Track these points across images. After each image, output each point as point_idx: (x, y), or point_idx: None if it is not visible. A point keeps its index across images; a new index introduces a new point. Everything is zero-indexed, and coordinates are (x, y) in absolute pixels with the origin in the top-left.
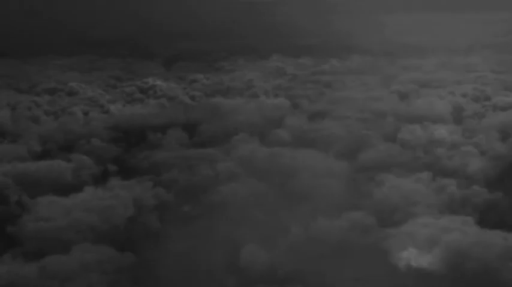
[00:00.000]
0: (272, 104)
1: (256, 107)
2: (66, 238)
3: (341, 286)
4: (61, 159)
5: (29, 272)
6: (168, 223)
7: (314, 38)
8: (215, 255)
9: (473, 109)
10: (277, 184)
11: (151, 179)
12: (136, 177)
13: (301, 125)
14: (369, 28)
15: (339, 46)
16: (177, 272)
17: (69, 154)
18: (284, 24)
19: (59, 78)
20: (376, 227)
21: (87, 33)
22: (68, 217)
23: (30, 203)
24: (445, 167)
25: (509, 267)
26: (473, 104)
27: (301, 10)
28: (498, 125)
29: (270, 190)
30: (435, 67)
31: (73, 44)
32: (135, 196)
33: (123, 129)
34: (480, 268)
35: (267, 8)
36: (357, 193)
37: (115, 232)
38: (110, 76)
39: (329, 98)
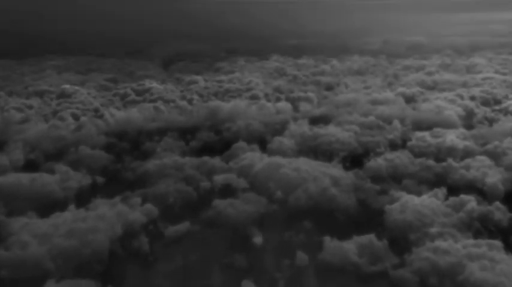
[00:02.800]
0: (273, 108)
1: (256, 112)
2: (41, 269)
3: None
4: (46, 170)
5: None
6: (157, 246)
7: (314, 38)
8: (212, 284)
9: (483, 113)
10: (278, 198)
11: (141, 194)
12: (125, 191)
13: (304, 131)
14: (369, 28)
15: (339, 46)
16: None
17: (56, 163)
18: (284, 24)
19: (52, 80)
20: (388, 252)
21: (84, 33)
22: (46, 243)
23: (6, 224)
24: (460, 179)
25: None
26: (483, 108)
27: (301, 10)
28: (511, 130)
29: (271, 205)
30: (438, 68)
31: (70, 43)
32: (122, 215)
33: (116, 135)
34: None
35: (267, 8)
36: (366, 209)
37: (97, 260)
38: (106, 78)
39: (331, 100)
